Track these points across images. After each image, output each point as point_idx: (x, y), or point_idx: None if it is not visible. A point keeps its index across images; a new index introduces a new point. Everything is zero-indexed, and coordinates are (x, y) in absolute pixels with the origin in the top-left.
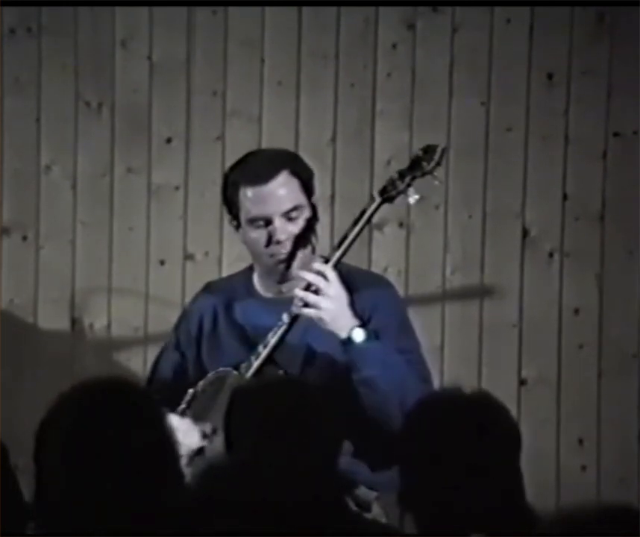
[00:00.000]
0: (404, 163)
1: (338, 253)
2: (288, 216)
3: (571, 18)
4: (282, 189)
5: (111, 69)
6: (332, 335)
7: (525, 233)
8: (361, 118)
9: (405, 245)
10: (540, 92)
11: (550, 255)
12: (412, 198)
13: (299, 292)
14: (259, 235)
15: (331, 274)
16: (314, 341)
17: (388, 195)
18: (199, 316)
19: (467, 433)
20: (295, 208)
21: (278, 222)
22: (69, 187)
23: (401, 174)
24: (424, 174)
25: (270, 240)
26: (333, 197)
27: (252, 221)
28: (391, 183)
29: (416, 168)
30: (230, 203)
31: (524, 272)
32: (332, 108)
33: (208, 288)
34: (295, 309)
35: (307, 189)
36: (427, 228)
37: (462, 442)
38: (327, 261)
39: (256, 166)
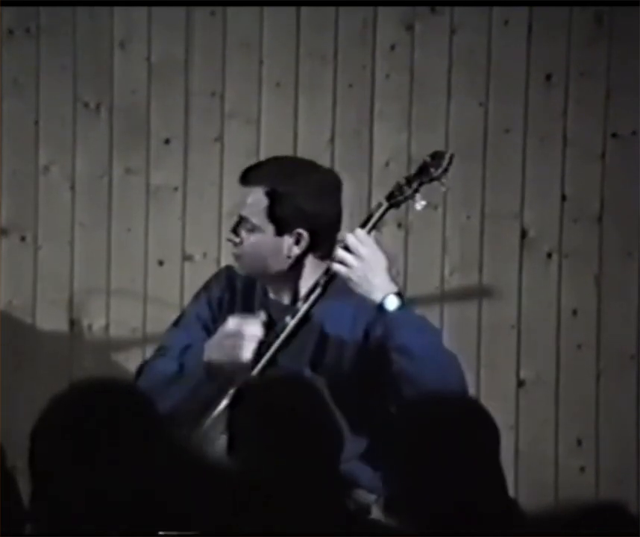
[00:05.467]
0: (402, 164)
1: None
2: (242, 222)
3: (570, 19)
4: (247, 198)
5: (110, 70)
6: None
7: (524, 233)
8: (359, 119)
9: (404, 245)
10: (538, 93)
11: (549, 256)
12: (419, 204)
13: (338, 250)
14: None
15: (364, 236)
16: (328, 324)
17: (395, 200)
18: (219, 299)
19: (446, 434)
20: (247, 221)
21: (235, 222)
22: (68, 188)
23: (408, 180)
24: (431, 180)
25: None
26: None
27: None
28: (399, 188)
29: (424, 174)
30: None
31: (522, 273)
32: (330, 109)
33: (229, 270)
34: (332, 267)
35: (276, 218)
36: (426, 229)
37: (442, 444)
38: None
39: (249, 169)
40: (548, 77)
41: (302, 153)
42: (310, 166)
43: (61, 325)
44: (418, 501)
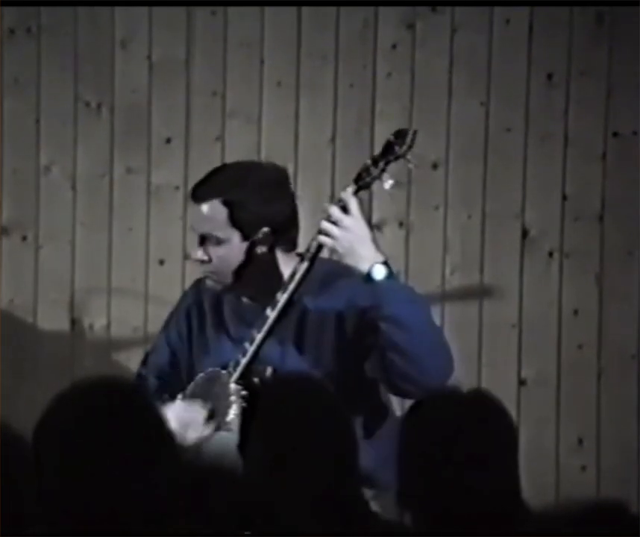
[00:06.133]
0: (403, 163)
1: (316, 243)
2: (207, 239)
3: (571, 18)
4: (205, 213)
5: (111, 70)
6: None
7: (525, 233)
8: (360, 119)
9: (404, 244)
10: (539, 93)
11: (550, 255)
12: (387, 183)
13: (322, 222)
14: None
15: (352, 206)
16: (309, 302)
17: (363, 181)
18: (187, 311)
19: (465, 432)
20: (212, 236)
21: (198, 241)
22: (69, 187)
23: (375, 160)
24: (397, 158)
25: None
26: (332, 198)
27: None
28: (366, 169)
29: (389, 152)
30: None
31: (523, 272)
32: (331, 108)
33: (197, 284)
34: (317, 239)
35: (240, 224)
36: (427, 228)
37: (460, 441)
38: (305, 253)
39: (199, 185)
40: (549, 76)
41: (303, 152)
42: (256, 166)
43: (62, 324)
44: (432, 498)
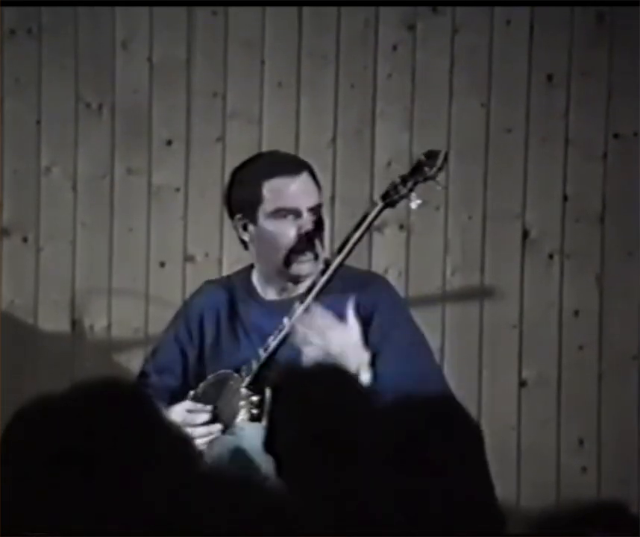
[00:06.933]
0: (404, 165)
1: (339, 258)
2: (313, 212)
3: (571, 19)
4: (308, 185)
5: (111, 70)
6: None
7: (525, 234)
8: (361, 120)
9: (405, 246)
10: (540, 93)
11: (550, 256)
12: (415, 203)
13: (300, 329)
14: (281, 229)
15: (349, 312)
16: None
17: (390, 199)
18: (200, 315)
19: (429, 435)
20: (319, 206)
21: (307, 215)
22: (69, 188)
23: (403, 179)
24: (426, 179)
25: (299, 232)
26: (333, 198)
27: (277, 213)
28: (394, 187)
29: (418, 173)
30: (242, 200)
31: (524, 273)
32: (332, 109)
33: (208, 286)
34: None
35: (321, 191)
36: (427, 230)
37: (425, 445)
38: (328, 264)
39: (281, 162)
40: (550, 77)
41: (303, 152)
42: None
43: (63, 325)
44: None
